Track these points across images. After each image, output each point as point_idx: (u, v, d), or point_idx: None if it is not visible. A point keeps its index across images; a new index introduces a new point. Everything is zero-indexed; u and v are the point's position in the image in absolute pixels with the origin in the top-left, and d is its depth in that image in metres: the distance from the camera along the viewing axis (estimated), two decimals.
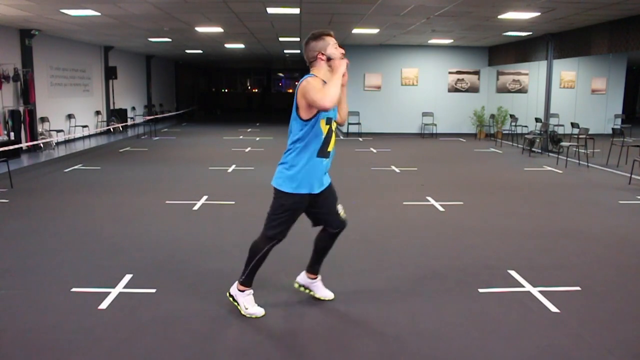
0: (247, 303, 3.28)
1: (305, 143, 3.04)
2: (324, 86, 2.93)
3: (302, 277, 3.54)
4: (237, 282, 3.33)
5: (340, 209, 3.31)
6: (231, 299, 3.35)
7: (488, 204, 6.54)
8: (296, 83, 3.21)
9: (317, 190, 3.12)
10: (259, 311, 3.27)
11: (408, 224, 5.54)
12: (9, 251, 4.55)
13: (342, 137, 15.05)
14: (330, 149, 3.13)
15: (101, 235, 5.03)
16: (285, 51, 17.75)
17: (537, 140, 11.96)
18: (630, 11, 8.67)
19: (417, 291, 3.71)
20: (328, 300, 3.48)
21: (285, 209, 3.10)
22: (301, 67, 27.46)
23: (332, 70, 3.01)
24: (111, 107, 15.99)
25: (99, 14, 9.00)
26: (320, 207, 3.23)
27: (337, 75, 2.93)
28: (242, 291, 3.30)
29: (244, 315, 3.25)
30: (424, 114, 15.72)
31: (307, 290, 3.54)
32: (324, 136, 3.07)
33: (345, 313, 3.33)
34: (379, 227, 5.41)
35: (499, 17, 9.38)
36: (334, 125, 3.12)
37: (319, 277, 3.51)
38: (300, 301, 3.46)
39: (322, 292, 3.51)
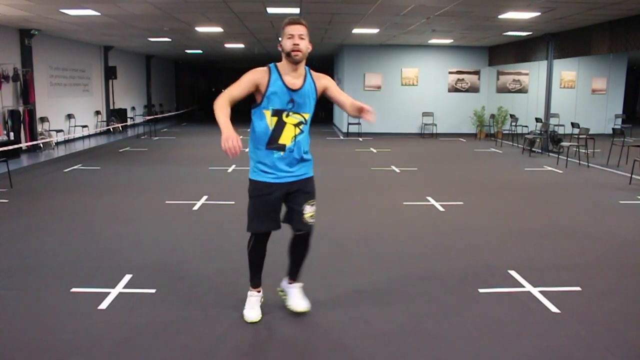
0: (246, 304, 3.27)
1: (251, 131, 3.00)
2: (233, 94, 2.85)
3: (283, 282, 3.42)
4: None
5: (307, 210, 3.05)
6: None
7: (488, 204, 6.54)
8: None
9: (273, 180, 2.97)
10: (251, 315, 3.19)
11: (408, 224, 5.54)
12: (9, 251, 4.55)
13: (342, 137, 15.05)
14: (284, 142, 2.95)
15: (101, 236, 5.03)
16: None
17: (538, 140, 11.96)
18: (630, 11, 8.67)
19: (417, 291, 3.70)
20: (298, 311, 3.24)
21: (250, 196, 3.06)
22: None
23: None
24: (111, 107, 15.99)
25: (99, 13, 9.00)
26: (288, 202, 3.07)
27: (221, 124, 2.70)
28: (249, 290, 3.29)
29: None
30: (424, 114, 15.72)
31: (284, 296, 3.39)
32: (271, 128, 2.94)
33: (345, 313, 3.33)
34: (379, 227, 5.40)
35: (499, 17, 9.38)
36: (290, 119, 2.94)
37: (296, 283, 3.33)
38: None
39: (293, 300, 3.28)
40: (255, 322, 3.17)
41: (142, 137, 14.77)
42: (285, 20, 2.94)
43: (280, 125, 2.95)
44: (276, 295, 3.43)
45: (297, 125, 2.98)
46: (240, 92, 2.90)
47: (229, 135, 2.59)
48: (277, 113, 2.93)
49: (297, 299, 3.27)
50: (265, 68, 2.96)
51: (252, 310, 3.22)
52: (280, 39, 2.97)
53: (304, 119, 3.00)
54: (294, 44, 2.86)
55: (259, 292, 3.31)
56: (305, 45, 2.89)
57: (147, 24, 10.61)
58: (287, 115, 2.95)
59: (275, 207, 3.04)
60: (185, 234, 5.10)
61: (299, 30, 2.87)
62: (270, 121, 2.94)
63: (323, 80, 3.08)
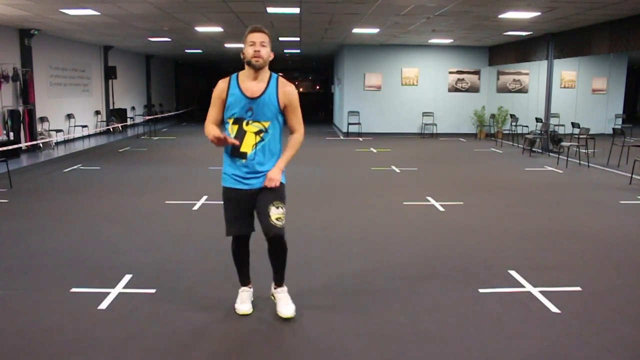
0: (237, 298, 3.36)
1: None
2: (212, 115, 3.05)
3: (272, 287, 3.41)
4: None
5: (272, 211, 3.00)
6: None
7: (488, 204, 6.54)
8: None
9: (238, 186, 3.05)
10: (241, 308, 3.28)
11: (408, 224, 5.53)
12: (9, 251, 4.54)
13: (342, 137, 15.05)
14: (245, 149, 3.01)
15: (101, 235, 5.03)
16: (285, 51, 17.74)
17: (538, 140, 11.96)
18: (630, 11, 8.67)
19: (417, 291, 3.70)
20: (284, 317, 3.19)
21: (223, 202, 3.15)
22: (301, 66, 27.47)
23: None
24: (111, 107, 15.99)
25: (99, 13, 9.00)
26: (255, 207, 3.09)
27: (208, 135, 2.97)
28: (241, 288, 3.39)
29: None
30: (424, 114, 15.72)
31: (275, 301, 3.36)
32: (233, 134, 3.02)
33: (345, 313, 3.33)
34: (379, 227, 5.40)
35: (499, 16, 9.37)
36: (250, 127, 3.00)
37: (280, 288, 3.30)
38: (298, 301, 3.44)
39: (279, 306, 3.24)
40: (247, 314, 3.25)
41: (142, 137, 14.77)
42: (248, 28, 3.02)
43: (240, 133, 3.03)
44: (272, 299, 3.43)
45: (257, 133, 3.03)
46: (218, 112, 3.08)
47: (212, 136, 2.93)
48: (237, 121, 3.03)
49: (282, 305, 3.24)
50: (226, 79, 3.08)
51: (243, 304, 3.31)
52: (243, 47, 3.04)
53: (264, 127, 3.03)
54: (255, 51, 2.95)
55: (250, 287, 3.41)
56: (266, 53, 2.99)
57: (147, 24, 10.61)
58: (247, 124, 3.02)
59: (242, 211, 3.11)
60: (185, 234, 5.10)
61: (260, 37, 2.99)
62: (232, 129, 3.04)
63: (288, 96, 3.06)
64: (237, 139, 3.01)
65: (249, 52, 2.97)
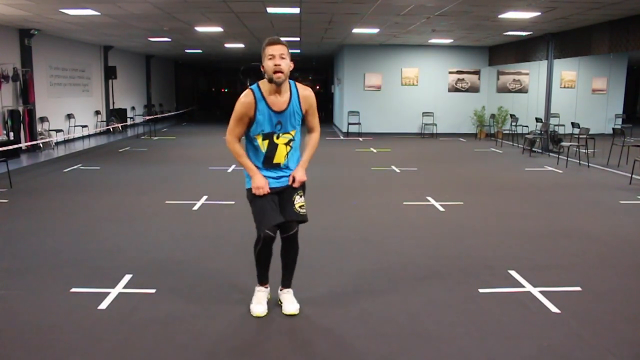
0: (254, 298, 3.34)
1: (247, 147, 3.17)
2: (237, 129, 3.06)
3: (279, 291, 3.44)
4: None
5: (297, 200, 3.12)
6: None
7: (488, 204, 6.54)
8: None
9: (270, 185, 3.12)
10: (256, 309, 3.26)
11: (408, 224, 5.54)
12: (9, 251, 4.54)
13: (342, 137, 15.05)
14: (278, 161, 3.11)
15: (101, 235, 5.03)
16: None
17: (538, 140, 11.95)
18: (630, 11, 8.67)
19: (417, 291, 3.70)
20: (288, 314, 3.25)
21: (250, 201, 3.16)
22: (301, 66, 27.45)
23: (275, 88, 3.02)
24: (111, 107, 15.99)
25: (99, 13, 9.00)
26: (280, 200, 3.15)
27: (248, 169, 3.11)
28: (258, 287, 3.38)
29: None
30: (424, 114, 15.72)
31: (280, 304, 3.40)
32: (264, 150, 3.08)
33: (345, 313, 3.33)
34: (379, 227, 5.40)
35: (499, 16, 9.37)
36: (281, 139, 3.07)
37: (286, 289, 3.37)
38: (299, 301, 3.45)
39: (285, 305, 3.31)
40: (262, 317, 3.23)
41: (142, 137, 14.77)
42: (265, 40, 3.01)
43: (272, 147, 3.08)
44: (277, 301, 3.43)
45: (287, 144, 3.11)
46: (242, 127, 3.06)
47: (260, 184, 3.03)
48: (267, 136, 3.06)
49: (287, 303, 3.31)
50: (249, 93, 3.02)
51: (259, 305, 3.29)
52: (262, 59, 3.04)
53: (292, 136, 3.12)
54: (276, 65, 2.93)
55: (267, 288, 3.38)
56: (286, 66, 2.98)
57: (147, 24, 10.61)
58: (278, 137, 3.07)
59: (274, 202, 3.13)
60: (185, 234, 5.10)
61: (279, 50, 2.97)
62: (262, 145, 3.08)
63: (308, 100, 3.15)
64: (270, 152, 3.09)
65: (269, 66, 2.95)
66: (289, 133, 3.08)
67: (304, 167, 3.18)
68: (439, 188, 7.44)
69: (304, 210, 3.14)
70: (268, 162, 3.11)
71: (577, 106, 15.00)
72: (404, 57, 15.58)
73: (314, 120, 3.24)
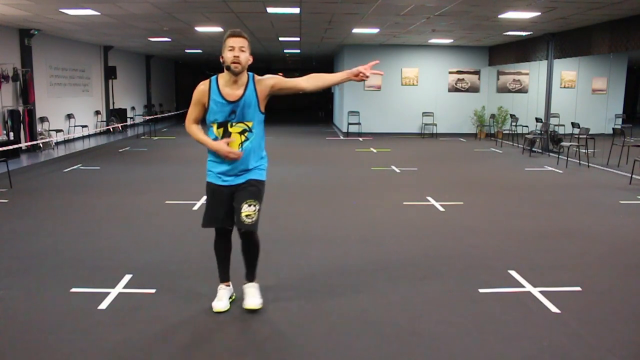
0: (216, 296, 3.38)
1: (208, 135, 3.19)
2: (193, 114, 3.14)
3: (243, 284, 3.47)
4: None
5: (244, 208, 3.09)
6: None
7: (488, 204, 6.54)
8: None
9: (220, 182, 3.15)
10: (218, 305, 3.30)
11: (408, 224, 5.53)
12: (9, 251, 4.54)
13: (342, 137, 15.05)
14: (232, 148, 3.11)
15: (101, 235, 5.03)
16: (285, 51, 17.74)
17: (538, 140, 11.95)
18: (630, 11, 8.67)
19: (417, 291, 3.70)
20: (247, 308, 3.28)
21: (206, 194, 3.26)
22: (301, 66, 27.45)
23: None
24: (111, 107, 15.99)
25: (99, 13, 9.00)
26: (232, 202, 3.18)
27: (207, 145, 3.11)
28: (220, 285, 3.43)
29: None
30: (424, 114, 15.72)
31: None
32: (219, 136, 3.11)
33: (345, 313, 3.33)
34: (379, 227, 5.40)
35: (499, 16, 9.37)
36: (235, 128, 3.08)
37: (251, 283, 3.40)
38: (299, 301, 3.45)
39: (246, 299, 3.33)
40: (222, 312, 3.28)
41: (142, 137, 14.77)
42: (227, 32, 3.06)
43: (226, 135, 3.11)
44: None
45: (241, 133, 3.12)
46: (198, 112, 3.15)
47: (226, 151, 3.03)
48: (221, 125, 3.11)
49: (248, 297, 3.33)
50: (206, 82, 3.12)
51: (220, 301, 3.34)
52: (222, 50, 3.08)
53: (248, 126, 3.12)
54: (234, 56, 2.98)
55: (228, 285, 3.43)
56: (245, 58, 3.03)
57: (147, 24, 10.61)
58: (232, 125, 3.10)
59: (222, 206, 3.18)
60: (185, 234, 5.10)
61: (239, 42, 3.02)
62: (218, 133, 3.12)
63: (266, 82, 3.17)
64: (224, 140, 3.10)
65: (228, 57, 3.01)
66: (243, 122, 3.09)
67: (349, 73, 3.15)
68: (439, 188, 7.44)
69: (250, 220, 3.11)
70: None
71: (577, 106, 15.00)
72: (404, 57, 15.58)
73: (292, 80, 3.22)
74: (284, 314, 3.32)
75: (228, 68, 3.02)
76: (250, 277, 3.40)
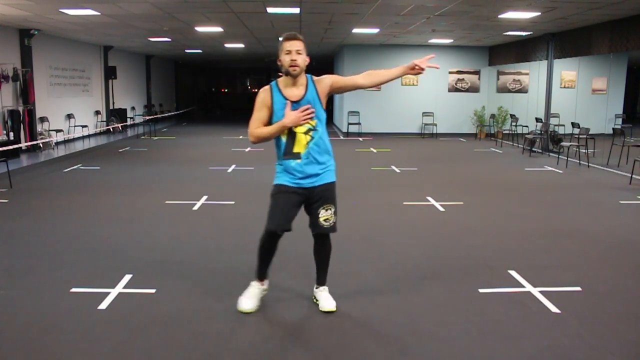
0: (246, 292, 3.35)
1: (275, 144, 3.21)
2: (259, 119, 3.11)
3: (314, 288, 3.48)
4: None
5: (323, 213, 3.17)
6: None
7: (488, 204, 6.54)
8: None
9: (291, 183, 3.13)
10: (245, 304, 3.29)
11: (408, 224, 5.53)
12: (9, 251, 4.55)
13: (342, 137, 15.05)
14: (298, 150, 3.12)
15: (101, 236, 5.03)
16: None
17: (538, 140, 11.95)
18: (630, 11, 8.67)
19: (417, 291, 3.70)
20: (326, 311, 3.30)
21: (271, 197, 3.20)
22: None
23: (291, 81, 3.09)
24: (111, 107, 15.99)
25: (99, 13, 9.00)
26: (307, 207, 3.22)
27: (275, 128, 3.07)
28: (254, 282, 3.38)
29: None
30: (424, 114, 15.72)
31: (315, 301, 3.44)
32: (284, 140, 3.12)
33: (345, 313, 3.33)
34: (379, 227, 5.40)
35: (499, 16, 9.38)
36: (299, 128, 3.09)
37: (322, 287, 3.42)
38: (300, 301, 3.45)
39: (322, 302, 3.36)
40: (248, 312, 3.25)
41: (142, 137, 14.77)
42: (283, 35, 3.08)
43: (291, 136, 3.12)
44: (312, 298, 3.44)
45: (306, 132, 3.12)
46: (263, 116, 3.12)
47: (295, 114, 3.02)
48: (288, 127, 3.09)
49: (324, 300, 3.36)
50: (267, 88, 3.14)
51: (249, 300, 3.31)
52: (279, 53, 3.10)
53: (312, 125, 3.13)
54: (292, 60, 3.02)
55: (262, 285, 3.38)
56: (302, 60, 3.07)
57: (147, 24, 10.61)
58: (296, 126, 3.09)
59: (289, 208, 3.14)
60: (185, 234, 5.10)
61: (295, 45, 3.04)
62: (283, 133, 3.12)
63: (325, 81, 3.21)
64: (289, 141, 3.11)
65: (285, 60, 3.03)
66: (307, 122, 3.10)
67: (405, 67, 3.21)
68: (439, 188, 7.44)
69: (329, 224, 3.19)
70: (288, 152, 3.12)
71: (577, 106, 15.01)
72: (404, 57, 15.53)
73: (349, 77, 3.28)
74: (284, 313, 3.32)
75: (287, 72, 3.05)
76: (322, 281, 3.41)
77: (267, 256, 3.28)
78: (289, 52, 3.02)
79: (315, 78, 3.18)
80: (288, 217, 3.14)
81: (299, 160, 3.12)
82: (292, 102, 3.07)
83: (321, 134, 3.16)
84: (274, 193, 3.19)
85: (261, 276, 3.36)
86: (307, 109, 3.04)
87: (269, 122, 3.13)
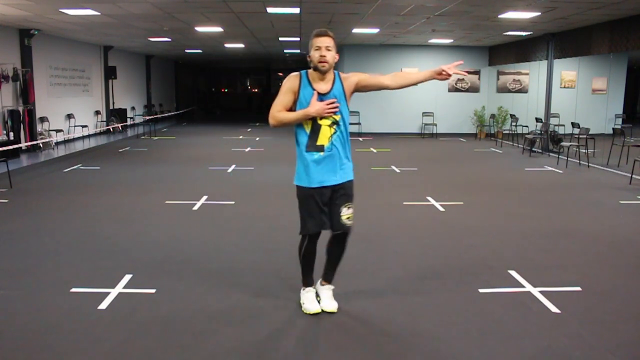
0: (304, 299, 3.37)
1: (295, 137, 3.21)
2: (282, 103, 3.11)
3: (317, 283, 3.48)
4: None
5: (345, 211, 3.18)
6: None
7: (488, 204, 6.54)
8: None
9: (315, 185, 3.12)
10: (312, 307, 3.30)
11: (408, 224, 5.53)
12: (9, 251, 4.55)
13: None
14: (322, 142, 3.13)
15: (101, 235, 5.03)
16: (285, 51, 17.74)
17: (538, 140, 11.95)
18: (630, 11, 8.67)
19: (417, 291, 3.70)
20: (327, 311, 3.30)
21: (299, 200, 3.21)
22: (301, 66, 27.44)
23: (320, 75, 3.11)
24: (111, 107, 15.99)
25: (99, 13, 9.00)
26: (329, 204, 3.20)
27: (298, 115, 3.08)
28: (303, 289, 3.41)
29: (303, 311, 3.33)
30: (424, 114, 15.72)
31: (317, 298, 3.43)
32: (308, 131, 3.13)
33: (345, 313, 3.33)
34: (379, 227, 5.40)
35: (499, 16, 9.37)
36: (324, 121, 3.11)
37: (328, 285, 3.42)
38: (299, 301, 3.44)
39: (324, 301, 3.36)
40: (317, 313, 3.27)
41: (142, 137, 14.77)
42: (313, 32, 3.12)
43: (316, 128, 3.13)
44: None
45: (331, 125, 3.15)
46: (287, 101, 3.13)
47: (320, 106, 3.04)
48: (311, 117, 3.11)
49: (326, 299, 3.36)
50: (297, 74, 3.16)
51: (313, 303, 3.33)
52: (309, 50, 3.14)
53: (336, 120, 3.17)
54: (321, 56, 3.04)
55: (314, 288, 3.43)
56: (332, 56, 3.09)
57: (147, 24, 10.61)
58: (321, 118, 3.12)
59: (320, 208, 3.17)
60: (185, 234, 5.10)
61: (325, 42, 3.07)
62: (307, 125, 3.13)
63: (352, 78, 3.25)
64: (313, 133, 3.13)
65: (315, 56, 3.06)
66: (332, 116, 3.13)
67: (432, 72, 3.24)
68: (439, 188, 7.44)
69: (350, 222, 3.21)
70: (312, 144, 3.12)
71: (577, 106, 15.00)
72: (404, 57, 15.57)
73: (376, 77, 3.29)
74: (283, 313, 3.32)
75: (316, 68, 3.08)
76: (329, 279, 3.41)
77: (309, 261, 3.32)
78: (318, 48, 3.05)
79: (342, 75, 3.21)
80: (320, 219, 3.16)
81: (322, 153, 3.13)
82: (322, 94, 3.10)
83: (344, 130, 3.20)
84: (299, 196, 3.21)
85: (308, 283, 3.40)
86: (332, 102, 3.08)
87: (291, 109, 3.14)
